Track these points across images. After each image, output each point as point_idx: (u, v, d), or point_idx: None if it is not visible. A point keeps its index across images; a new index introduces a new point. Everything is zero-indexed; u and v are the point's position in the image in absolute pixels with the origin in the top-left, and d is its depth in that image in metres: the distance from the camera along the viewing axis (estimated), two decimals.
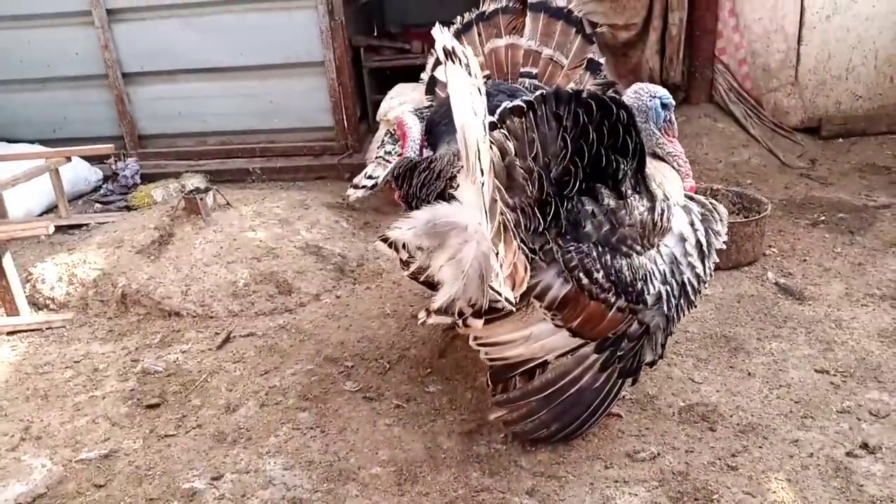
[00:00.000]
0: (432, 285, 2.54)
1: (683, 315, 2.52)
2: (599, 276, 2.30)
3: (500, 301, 2.18)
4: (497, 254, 2.10)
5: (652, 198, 2.42)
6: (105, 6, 5.96)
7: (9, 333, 3.81)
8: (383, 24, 8.29)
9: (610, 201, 2.34)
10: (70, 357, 3.56)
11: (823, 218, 4.43)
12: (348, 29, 6.09)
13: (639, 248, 2.37)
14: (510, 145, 2.21)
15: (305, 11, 5.88)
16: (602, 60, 3.23)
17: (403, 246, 2.42)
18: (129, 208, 5.55)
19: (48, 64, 6.24)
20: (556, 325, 2.37)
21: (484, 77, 3.26)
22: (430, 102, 3.40)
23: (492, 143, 2.16)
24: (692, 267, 2.44)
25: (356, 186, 4.07)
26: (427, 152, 3.13)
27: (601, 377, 2.48)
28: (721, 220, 2.54)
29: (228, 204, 4.59)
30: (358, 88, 6.50)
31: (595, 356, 2.44)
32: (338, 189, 5.67)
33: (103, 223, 5.07)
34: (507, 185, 2.23)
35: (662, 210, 2.41)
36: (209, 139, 6.42)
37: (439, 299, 2.31)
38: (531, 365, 2.47)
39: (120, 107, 6.27)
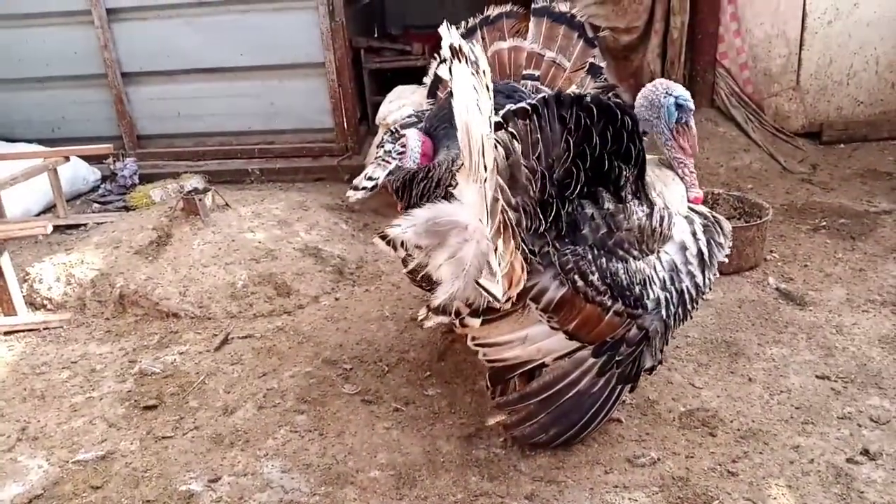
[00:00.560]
0: (429, 284, 2.55)
1: (681, 324, 2.51)
2: (595, 278, 2.30)
3: (493, 300, 2.18)
4: (496, 250, 2.10)
5: (651, 205, 2.42)
6: (105, 5, 5.93)
7: (6, 333, 3.80)
8: (384, 26, 8.29)
9: (609, 205, 2.35)
10: (67, 357, 3.54)
11: (824, 223, 4.42)
12: (349, 30, 6.07)
13: (636, 252, 2.37)
14: (515, 145, 2.21)
15: (306, 12, 5.85)
16: (603, 64, 3.24)
17: (402, 244, 2.39)
18: (127, 209, 5.52)
19: (47, 63, 6.22)
20: (553, 328, 2.37)
21: None
22: (430, 105, 3.40)
23: (497, 141, 2.17)
24: (692, 276, 2.43)
25: (356, 188, 4.05)
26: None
27: (599, 382, 2.46)
28: (724, 234, 2.52)
29: (227, 205, 4.58)
30: (358, 90, 6.48)
31: (593, 360, 2.43)
32: (337, 191, 5.65)
33: (101, 223, 5.05)
34: (510, 185, 2.24)
35: (662, 217, 2.40)
36: (208, 140, 6.40)
37: (438, 298, 2.31)
38: (529, 367, 2.46)
39: (119, 107, 6.24)
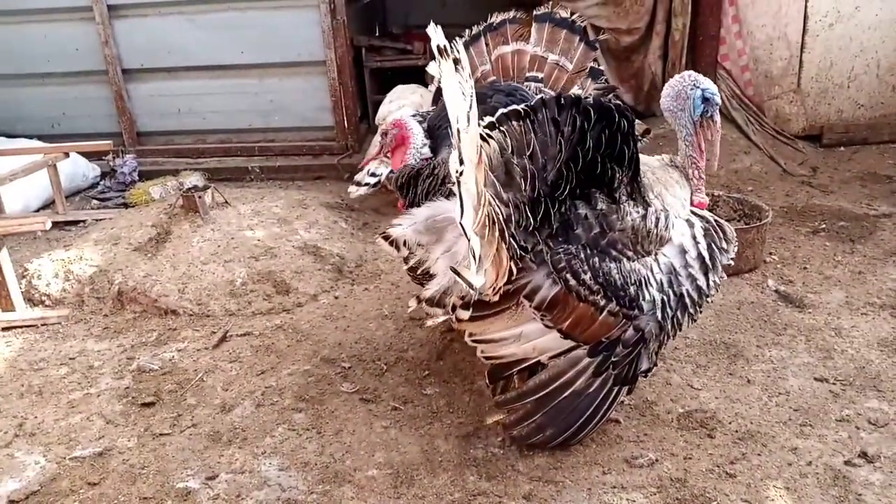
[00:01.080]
0: (430, 281, 2.58)
1: (681, 327, 2.50)
2: (587, 277, 2.32)
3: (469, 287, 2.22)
4: (469, 240, 2.12)
5: (646, 206, 2.42)
6: (106, 2, 5.94)
7: (4, 329, 3.79)
8: (385, 25, 8.29)
9: (602, 206, 2.37)
10: (65, 354, 3.53)
11: (824, 226, 4.42)
12: (350, 29, 6.07)
13: (630, 253, 2.37)
14: (508, 142, 2.24)
15: (307, 10, 5.86)
16: (603, 68, 3.29)
17: (404, 243, 2.46)
18: (126, 205, 5.52)
19: (48, 59, 6.22)
20: (547, 326, 2.39)
21: (489, 81, 3.28)
22: (432, 109, 3.41)
23: (491, 137, 2.21)
24: (692, 279, 2.42)
25: (359, 184, 4.06)
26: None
27: (595, 382, 2.47)
28: (727, 238, 2.51)
29: (227, 202, 4.58)
30: (359, 88, 6.48)
31: (588, 360, 2.44)
32: (337, 189, 5.65)
33: (100, 220, 5.05)
34: (504, 182, 2.26)
35: (657, 219, 2.40)
36: (208, 137, 6.40)
37: (431, 289, 2.37)
38: (525, 365, 2.47)
39: (119, 103, 6.24)
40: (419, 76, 6.13)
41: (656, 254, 2.41)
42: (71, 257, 4.17)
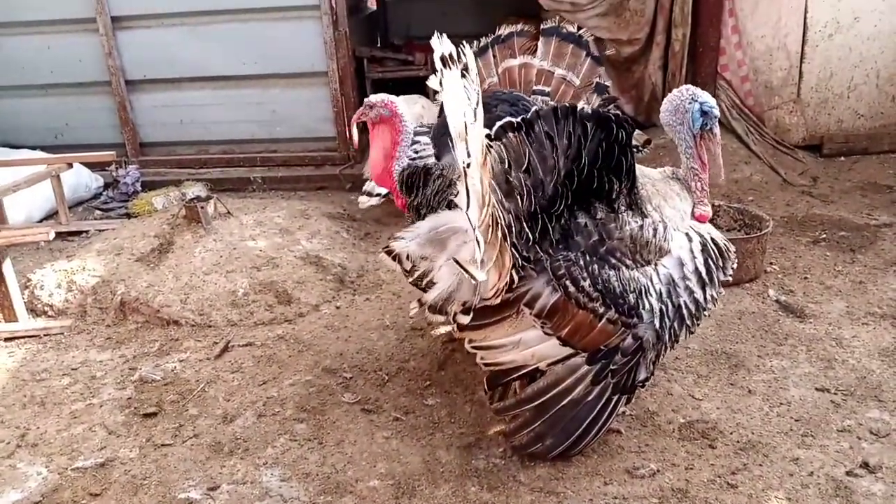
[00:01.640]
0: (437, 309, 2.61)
1: (678, 338, 2.51)
2: (586, 284, 2.34)
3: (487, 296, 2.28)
4: (474, 229, 2.16)
5: (643, 216, 2.44)
6: (110, 14, 5.98)
7: (6, 340, 3.80)
8: (387, 36, 8.34)
9: (601, 215, 2.40)
10: (67, 364, 3.54)
11: (825, 236, 4.43)
12: (352, 40, 6.11)
13: (629, 261, 2.40)
14: (506, 155, 2.28)
15: (310, 22, 5.90)
16: (608, 83, 3.29)
17: (407, 257, 2.47)
18: (129, 216, 5.54)
19: (52, 70, 6.26)
20: (546, 333, 2.40)
21: (492, 90, 3.29)
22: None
23: (490, 147, 2.24)
24: (690, 291, 2.44)
25: (369, 194, 4.06)
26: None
27: (594, 391, 2.47)
28: (723, 255, 2.51)
29: (229, 213, 4.59)
30: (361, 99, 6.49)
31: (587, 367, 2.45)
32: (339, 199, 5.67)
33: (103, 230, 5.07)
34: (505, 191, 2.29)
35: (655, 229, 2.42)
36: (210, 148, 6.43)
37: (434, 293, 2.40)
38: (524, 372, 2.49)
39: (122, 114, 6.28)
40: (421, 87, 6.15)
41: (656, 264, 2.43)
42: (74, 268, 4.18)
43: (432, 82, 2.56)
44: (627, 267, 2.39)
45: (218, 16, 5.99)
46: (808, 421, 2.79)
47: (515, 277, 2.34)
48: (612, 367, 2.44)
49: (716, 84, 5.76)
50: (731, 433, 2.74)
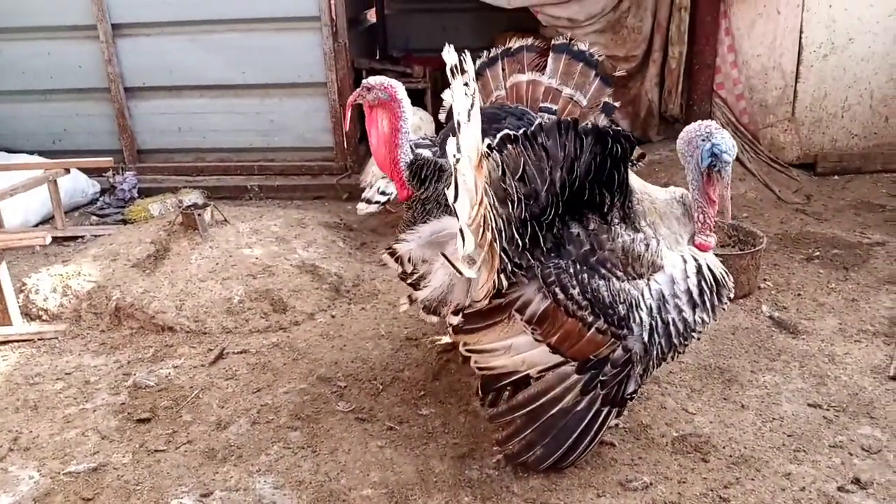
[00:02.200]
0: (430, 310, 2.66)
1: (666, 357, 2.52)
2: (575, 292, 2.37)
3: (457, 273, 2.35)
4: (459, 219, 2.23)
5: (636, 230, 2.46)
6: (110, 21, 6.00)
7: (0, 343, 3.79)
8: (386, 49, 8.38)
9: (594, 225, 2.44)
10: (61, 369, 3.53)
11: (818, 253, 4.46)
12: (351, 51, 6.15)
13: (620, 273, 2.42)
14: (504, 163, 2.33)
15: (310, 33, 5.93)
16: (617, 105, 3.29)
17: (409, 259, 2.54)
18: (125, 222, 5.53)
19: (51, 76, 6.27)
20: (537, 340, 2.44)
21: (500, 103, 3.31)
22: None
23: (488, 155, 2.30)
24: (679, 310, 2.46)
25: (369, 201, 4.07)
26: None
27: (583, 401, 2.49)
28: (720, 282, 2.52)
29: (225, 220, 4.60)
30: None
31: (576, 377, 2.47)
32: (335, 209, 5.69)
33: (99, 236, 5.06)
34: (499, 198, 2.34)
35: (648, 243, 2.44)
36: (208, 155, 6.44)
37: (424, 293, 2.49)
38: (515, 378, 2.51)
39: (120, 120, 6.29)
40: (419, 99, 6.19)
41: (649, 279, 2.45)
42: (69, 272, 4.18)
43: (447, 96, 2.60)
44: (618, 278, 2.42)
45: (218, 25, 6.02)
46: (801, 436, 2.80)
47: (504, 282, 2.39)
48: (601, 377, 2.46)
49: (711, 102, 5.82)
50: (724, 447, 2.75)
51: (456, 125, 2.22)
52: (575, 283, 2.38)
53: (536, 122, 2.41)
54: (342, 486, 2.64)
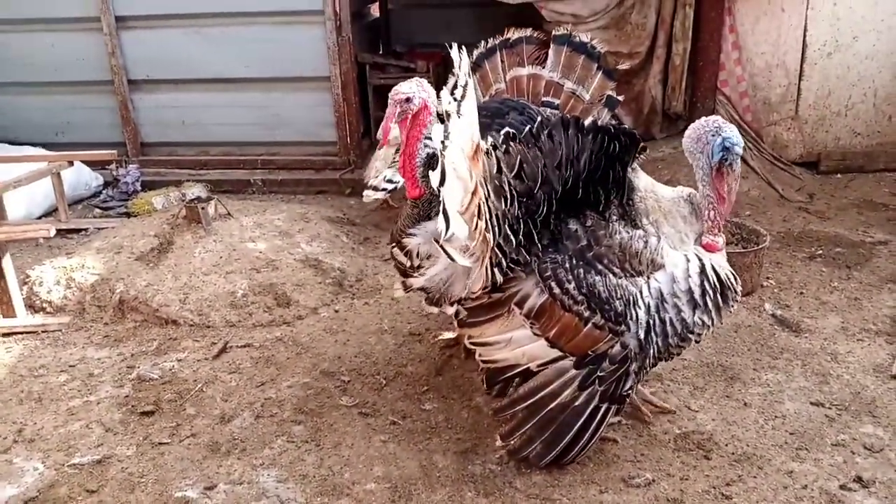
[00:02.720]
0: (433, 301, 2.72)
1: (661, 355, 2.52)
2: (571, 286, 2.41)
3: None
4: (443, 201, 2.25)
5: (636, 228, 2.47)
6: (114, 13, 5.99)
7: (4, 335, 3.80)
8: (389, 43, 8.37)
9: (591, 222, 2.47)
10: (65, 361, 3.54)
11: (821, 252, 4.46)
12: (355, 46, 6.14)
13: (617, 269, 2.44)
14: (503, 160, 2.36)
15: (313, 27, 5.92)
16: (621, 98, 3.23)
17: (416, 254, 2.59)
18: (128, 215, 5.53)
19: (55, 68, 6.26)
20: (535, 334, 2.48)
21: (502, 97, 3.29)
22: None
23: (489, 152, 2.35)
24: (678, 309, 2.46)
25: (375, 189, 4.04)
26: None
27: (581, 396, 2.50)
28: (726, 284, 2.51)
29: (229, 214, 4.60)
30: (362, 105, 6.53)
31: (574, 372, 2.49)
32: (339, 203, 5.69)
33: (103, 228, 5.07)
34: (495, 192, 2.37)
35: (647, 241, 2.45)
36: (211, 149, 6.43)
37: (419, 281, 2.56)
38: (516, 371, 2.54)
39: (124, 113, 6.28)
40: None
41: (649, 277, 2.45)
42: (73, 265, 4.18)
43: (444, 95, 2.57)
44: (615, 275, 2.43)
45: (222, 18, 6.01)
46: (803, 434, 2.81)
47: (499, 277, 2.41)
48: (599, 373, 2.48)
49: (715, 99, 5.80)
50: (727, 445, 2.76)
51: (444, 115, 2.23)
52: (571, 277, 2.41)
53: (539, 120, 2.42)
54: (345, 479, 2.65)
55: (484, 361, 2.58)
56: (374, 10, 8.17)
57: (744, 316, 3.74)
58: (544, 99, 3.16)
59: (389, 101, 2.79)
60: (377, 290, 4.21)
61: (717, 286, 2.49)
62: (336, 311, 3.98)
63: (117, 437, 2.94)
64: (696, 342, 2.58)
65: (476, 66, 3.29)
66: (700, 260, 2.50)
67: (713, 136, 2.47)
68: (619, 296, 2.41)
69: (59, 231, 4.91)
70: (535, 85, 3.23)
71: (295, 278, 4.11)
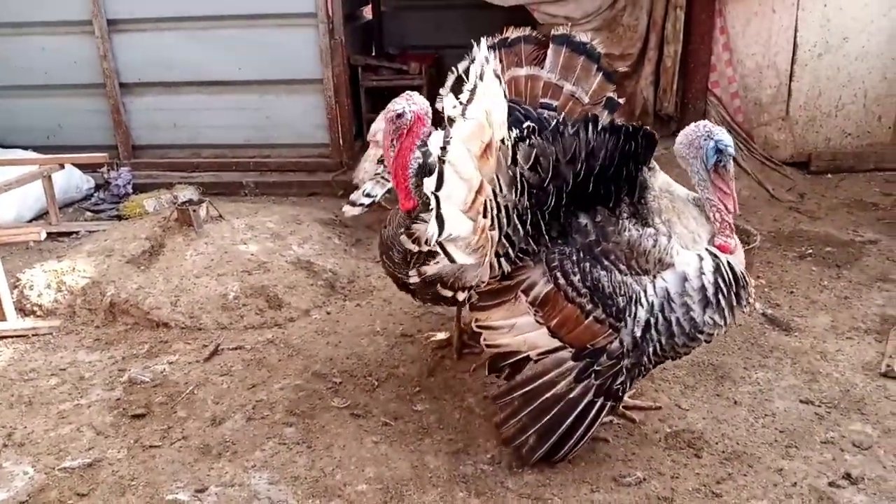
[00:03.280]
0: (437, 298, 2.81)
1: (666, 354, 2.52)
2: (575, 279, 2.46)
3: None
4: (439, 206, 2.35)
5: (646, 226, 2.47)
6: (106, 16, 5.99)
7: None
8: (382, 45, 8.37)
9: (601, 217, 2.50)
10: (56, 364, 3.53)
11: (811, 251, 4.49)
12: (347, 48, 6.14)
13: (623, 266, 2.46)
14: (521, 154, 2.45)
15: (306, 29, 5.92)
16: (621, 101, 3.17)
17: (426, 241, 2.59)
18: (120, 218, 5.53)
19: (46, 71, 6.25)
20: (538, 322, 2.53)
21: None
22: None
23: (504, 143, 2.44)
24: (687, 308, 2.45)
25: (353, 203, 4.03)
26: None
27: (576, 388, 2.52)
28: (740, 283, 2.50)
29: (221, 216, 4.60)
30: (354, 107, 6.54)
31: (572, 363, 2.52)
32: (331, 205, 5.68)
33: (94, 232, 5.06)
34: (507, 185, 2.43)
35: (656, 240, 2.45)
36: (203, 152, 6.43)
37: (432, 268, 2.62)
38: (517, 358, 2.58)
39: (115, 116, 6.27)
40: None
41: (655, 276, 2.46)
42: (63, 268, 4.17)
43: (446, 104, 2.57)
44: (621, 272, 2.45)
45: (214, 21, 6.01)
46: (793, 432, 2.82)
47: (506, 266, 2.48)
48: (596, 367, 2.50)
49: (706, 100, 5.82)
50: (717, 443, 2.77)
51: (447, 120, 2.30)
52: (576, 269, 2.46)
53: (560, 117, 2.55)
54: (337, 481, 2.65)
55: (488, 346, 2.64)
56: (367, 13, 8.16)
57: None
58: (542, 101, 3.07)
59: (384, 118, 2.86)
60: (369, 291, 4.22)
61: (732, 285, 2.48)
62: (328, 313, 3.98)
63: (108, 441, 2.94)
64: (707, 342, 2.57)
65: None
66: (715, 258, 2.50)
67: (705, 140, 2.51)
68: (622, 292, 2.44)
69: (49, 234, 4.90)
70: (533, 86, 3.13)
71: (287, 280, 4.11)
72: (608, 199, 2.50)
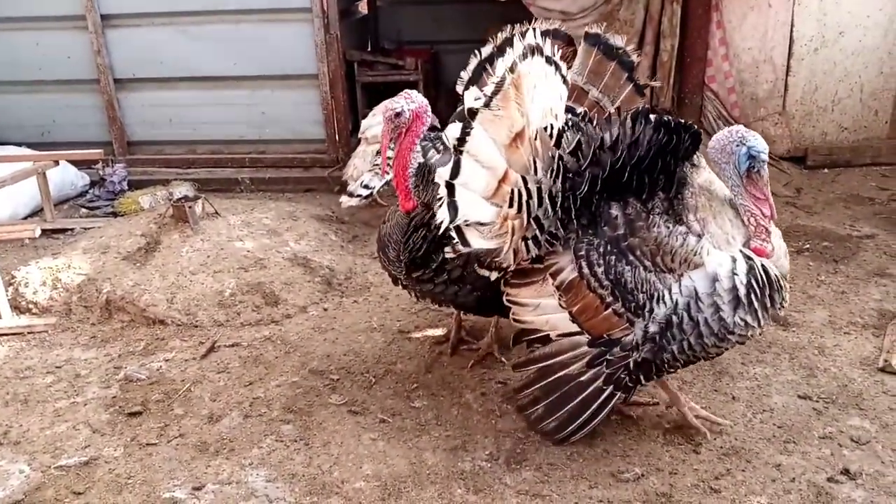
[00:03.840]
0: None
1: (695, 353, 2.49)
2: (599, 270, 2.50)
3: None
4: (453, 197, 2.47)
5: (679, 224, 2.46)
6: (99, 11, 5.96)
7: None
8: (378, 40, 8.35)
9: (631, 210, 2.51)
10: (52, 362, 3.51)
11: (808, 246, 4.49)
12: (343, 43, 6.12)
13: (648, 263, 2.47)
14: (565, 139, 2.52)
15: (301, 24, 5.90)
16: (653, 119, 3.04)
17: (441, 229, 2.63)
18: (115, 214, 5.51)
19: (40, 67, 6.22)
20: (561, 306, 2.60)
21: None
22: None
23: (547, 130, 2.53)
24: (716, 309, 2.42)
25: (351, 195, 4.01)
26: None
27: (588, 373, 2.58)
28: (774, 286, 2.47)
29: (217, 213, 4.58)
30: (350, 102, 6.52)
31: (586, 349, 2.58)
32: (327, 201, 5.67)
33: (89, 228, 5.04)
34: (545, 169, 2.52)
35: (685, 238, 2.43)
36: (199, 147, 6.41)
37: (466, 248, 2.66)
38: (539, 335, 2.70)
39: (110, 112, 6.24)
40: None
41: (681, 274, 2.44)
42: (59, 265, 4.15)
43: (451, 131, 2.52)
44: (645, 268, 2.46)
45: (209, 16, 5.99)
46: (791, 428, 2.82)
47: (533, 249, 2.55)
48: (608, 357, 2.53)
49: (703, 95, 5.83)
50: (715, 439, 2.77)
51: (468, 112, 2.40)
52: (602, 262, 2.50)
53: (612, 108, 2.66)
54: (335, 478, 2.64)
55: (515, 320, 2.73)
56: (363, 7, 8.15)
57: None
58: (567, 104, 2.82)
59: (383, 119, 2.86)
60: (366, 288, 4.21)
61: (766, 287, 2.45)
62: (325, 310, 3.96)
63: (104, 439, 2.92)
64: (740, 343, 2.54)
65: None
66: (749, 259, 2.46)
67: (738, 146, 2.48)
68: (643, 289, 2.46)
69: (44, 231, 4.87)
70: None
71: (283, 277, 4.10)
72: (641, 191, 2.50)
